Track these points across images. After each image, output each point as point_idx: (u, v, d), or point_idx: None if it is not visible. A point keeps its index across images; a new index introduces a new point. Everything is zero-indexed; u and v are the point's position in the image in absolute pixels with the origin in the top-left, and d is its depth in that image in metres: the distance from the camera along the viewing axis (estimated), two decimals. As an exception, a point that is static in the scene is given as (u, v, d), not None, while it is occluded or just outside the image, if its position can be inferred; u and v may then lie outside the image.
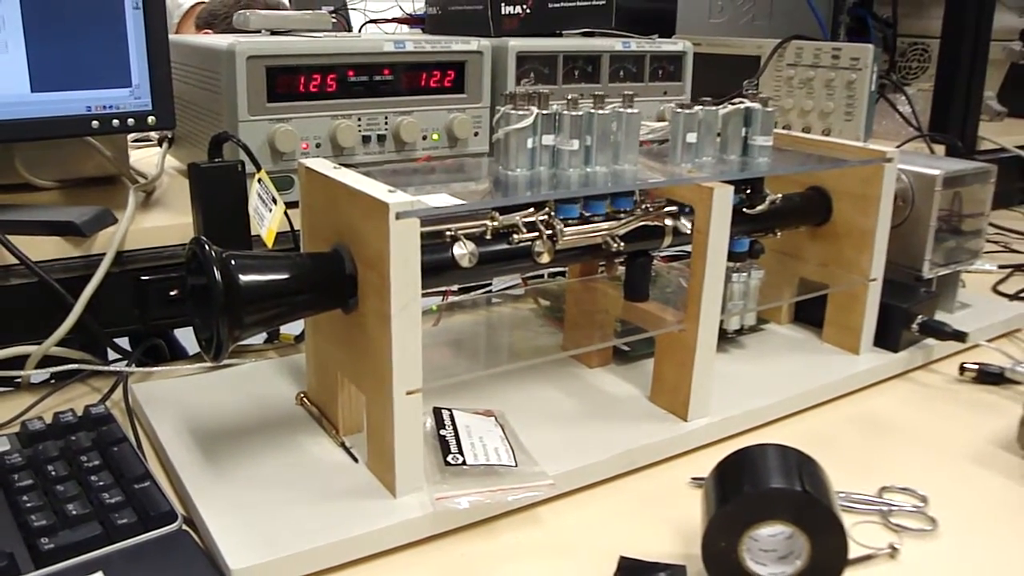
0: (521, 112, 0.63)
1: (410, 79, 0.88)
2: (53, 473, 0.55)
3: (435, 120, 0.90)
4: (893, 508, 0.61)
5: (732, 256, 0.78)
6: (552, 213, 0.65)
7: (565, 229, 0.65)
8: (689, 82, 1.07)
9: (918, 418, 0.75)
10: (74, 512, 0.52)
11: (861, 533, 0.58)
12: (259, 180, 0.72)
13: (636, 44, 1.02)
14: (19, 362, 0.72)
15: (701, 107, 0.71)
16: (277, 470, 0.60)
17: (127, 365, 0.74)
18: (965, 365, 0.82)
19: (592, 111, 0.65)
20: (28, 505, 0.53)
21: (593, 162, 0.66)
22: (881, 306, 0.82)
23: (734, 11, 1.53)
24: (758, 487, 0.50)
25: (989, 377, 0.81)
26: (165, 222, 0.81)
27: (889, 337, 0.83)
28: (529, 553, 0.56)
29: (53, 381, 0.75)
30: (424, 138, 0.90)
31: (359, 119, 0.86)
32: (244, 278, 0.52)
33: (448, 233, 0.61)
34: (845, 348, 0.83)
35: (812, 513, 0.49)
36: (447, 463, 0.59)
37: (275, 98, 0.81)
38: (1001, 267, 1.09)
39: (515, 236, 0.63)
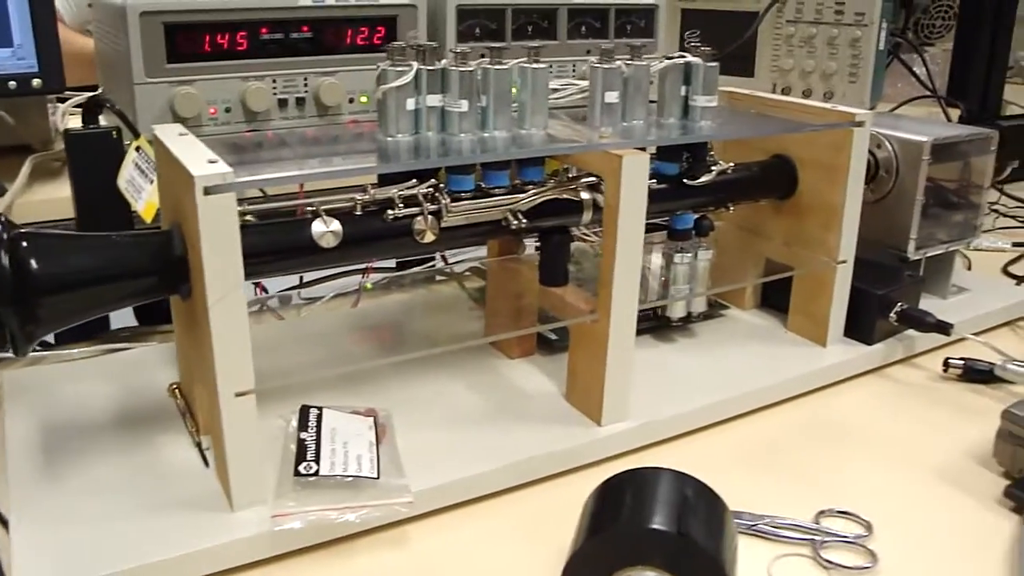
0: (400, 68, 0.55)
1: (334, 36, 0.80)
2: None
3: (363, 81, 0.81)
4: (827, 540, 0.52)
5: (676, 234, 0.69)
6: (440, 185, 0.56)
7: (452, 204, 0.56)
8: (662, 38, 0.97)
9: (885, 422, 0.66)
10: None
11: (783, 569, 0.49)
12: (137, 148, 0.64)
13: (598, -4, 0.92)
14: None
15: (628, 61, 0.61)
16: (120, 473, 0.53)
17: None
18: (950, 361, 0.72)
19: (488, 67, 0.56)
20: None
21: (491, 126, 0.57)
22: (854, 292, 0.72)
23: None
24: (630, 524, 0.41)
25: (976, 375, 0.71)
26: (61, 194, 0.75)
27: (862, 327, 0.72)
28: (380, 581, 0.48)
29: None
30: (351, 101, 0.81)
31: (274, 80, 0.78)
32: (38, 264, 0.45)
33: (310, 209, 0.53)
34: (811, 339, 0.73)
35: (692, 562, 0.40)
36: (298, 473, 0.51)
37: (176, 58, 0.73)
38: (1016, 245, 0.97)
39: (389, 212, 0.55)
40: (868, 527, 0.53)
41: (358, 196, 0.54)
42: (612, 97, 0.60)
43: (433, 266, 0.91)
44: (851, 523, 0.53)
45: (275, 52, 0.78)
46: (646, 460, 0.60)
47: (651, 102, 0.65)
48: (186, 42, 0.74)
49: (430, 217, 0.55)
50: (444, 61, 0.56)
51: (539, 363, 0.68)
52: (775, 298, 0.78)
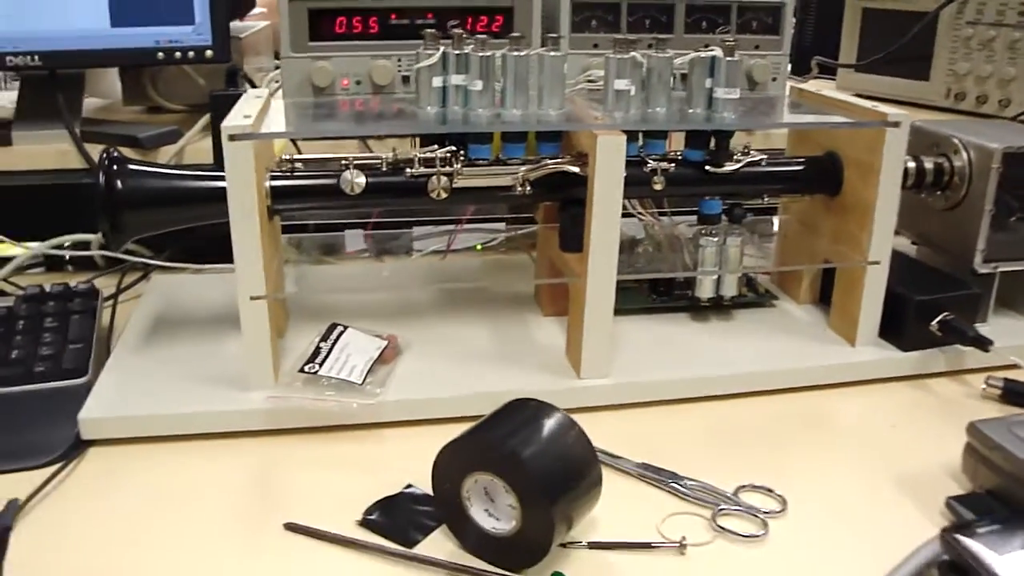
0: (429, 51, 0.65)
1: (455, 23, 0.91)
2: (21, 326, 0.70)
3: (478, 64, 0.92)
4: (728, 508, 0.55)
5: (703, 219, 0.73)
6: (457, 151, 0.66)
7: (463, 168, 0.65)
8: (789, 35, 0.97)
9: (884, 428, 0.65)
10: (13, 356, 0.66)
11: (673, 525, 0.54)
12: (265, 108, 0.80)
13: (720, -8, 0.94)
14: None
15: (651, 53, 0.67)
16: (190, 353, 0.69)
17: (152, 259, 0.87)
18: (990, 379, 0.69)
19: (507, 53, 0.65)
20: (-12, 346, 0.67)
21: (508, 104, 0.66)
22: (893, 295, 0.71)
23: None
24: (476, 434, 0.49)
25: (1015, 397, 0.68)
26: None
27: (897, 332, 0.72)
28: (333, 465, 0.59)
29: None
30: (467, 81, 0.92)
31: (399, 60, 0.91)
32: (123, 184, 0.61)
33: (344, 162, 0.65)
34: (845, 338, 0.73)
35: (520, 476, 0.47)
36: (302, 369, 0.64)
37: (317, 37, 0.89)
38: None
39: (408, 170, 0.65)
40: (783, 503, 0.55)
41: (384, 155, 0.66)
42: (622, 84, 0.65)
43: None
44: (769, 499, 0.56)
45: (402, 35, 0.90)
46: (622, 418, 0.66)
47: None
48: (326, 24, 0.89)
49: (443, 178, 0.65)
50: (470, 47, 0.65)
51: (565, 323, 0.75)
52: (831, 294, 0.78)
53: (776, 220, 0.87)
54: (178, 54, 0.88)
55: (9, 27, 0.85)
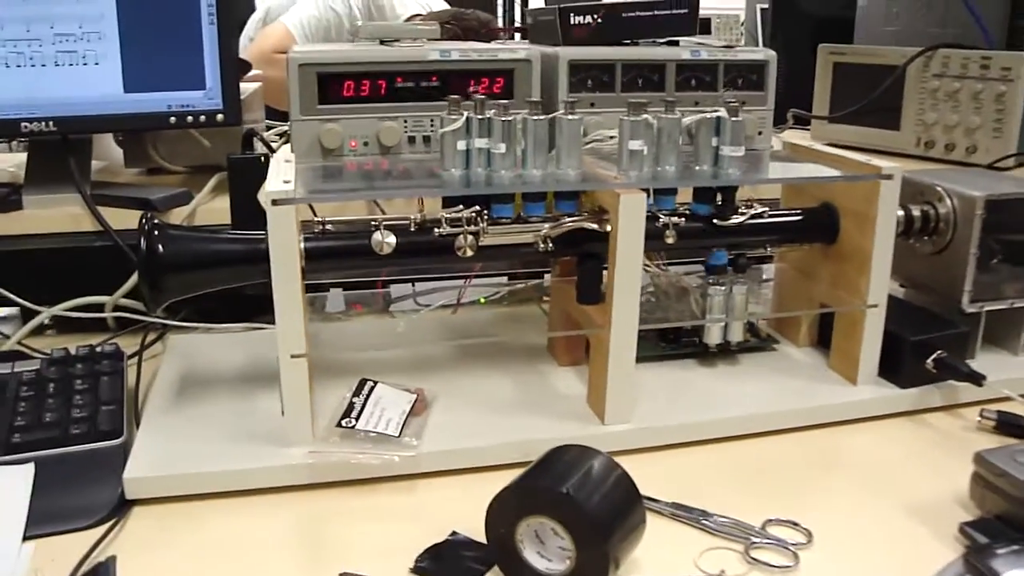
0: (454, 116, 0.69)
1: (458, 85, 0.95)
2: (51, 388, 0.71)
3: (481, 124, 0.96)
4: (759, 541, 0.58)
5: (710, 269, 0.77)
6: (481, 211, 0.69)
7: (489, 227, 0.69)
8: (772, 92, 1.03)
9: (891, 461, 0.69)
10: (47, 419, 0.67)
11: (710, 559, 0.57)
12: (281, 170, 0.83)
13: (708, 53, 1.00)
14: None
15: (661, 114, 0.71)
16: (220, 411, 0.71)
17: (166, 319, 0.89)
18: (984, 412, 0.73)
19: (527, 117, 0.69)
20: (21, 408, 0.68)
21: (529, 165, 0.69)
22: (890, 335, 0.75)
23: (910, 19, 1.41)
24: (528, 480, 0.52)
25: (1008, 428, 0.72)
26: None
27: (895, 370, 0.76)
28: (377, 516, 0.61)
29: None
30: (470, 140, 0.96)
31: (405, 121, 0.94)
32: (164, 248, 0.63)
33: (373, 223, 0.68)
34: (846, 377, 0.77)
35: (575, 517, 0.50)
36: (339, 424, 0.66)
37: (326, 100, 0.92)
38: None
39: (436, 230, 0.68)
40: (808, 536, 0.59)
41: (412, 215, 0.69)
42: (636, 145, 0.69)
43: (542, 282, 1.03)
44: (795, 532, 0.59)
45: (407, 97, 0.94)
46: (645, 461, 0.69)
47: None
48: (334, 88, 0.92)
49: (470, 236, 0.68)
50: (492, 112, 0.69)
51: (582, 372, 0.78)
52: (829, 338, 0.82)
53: (769, 268, 0.91)
54: (190, 118, 0.90)
55: (24, 94, 0.87)
